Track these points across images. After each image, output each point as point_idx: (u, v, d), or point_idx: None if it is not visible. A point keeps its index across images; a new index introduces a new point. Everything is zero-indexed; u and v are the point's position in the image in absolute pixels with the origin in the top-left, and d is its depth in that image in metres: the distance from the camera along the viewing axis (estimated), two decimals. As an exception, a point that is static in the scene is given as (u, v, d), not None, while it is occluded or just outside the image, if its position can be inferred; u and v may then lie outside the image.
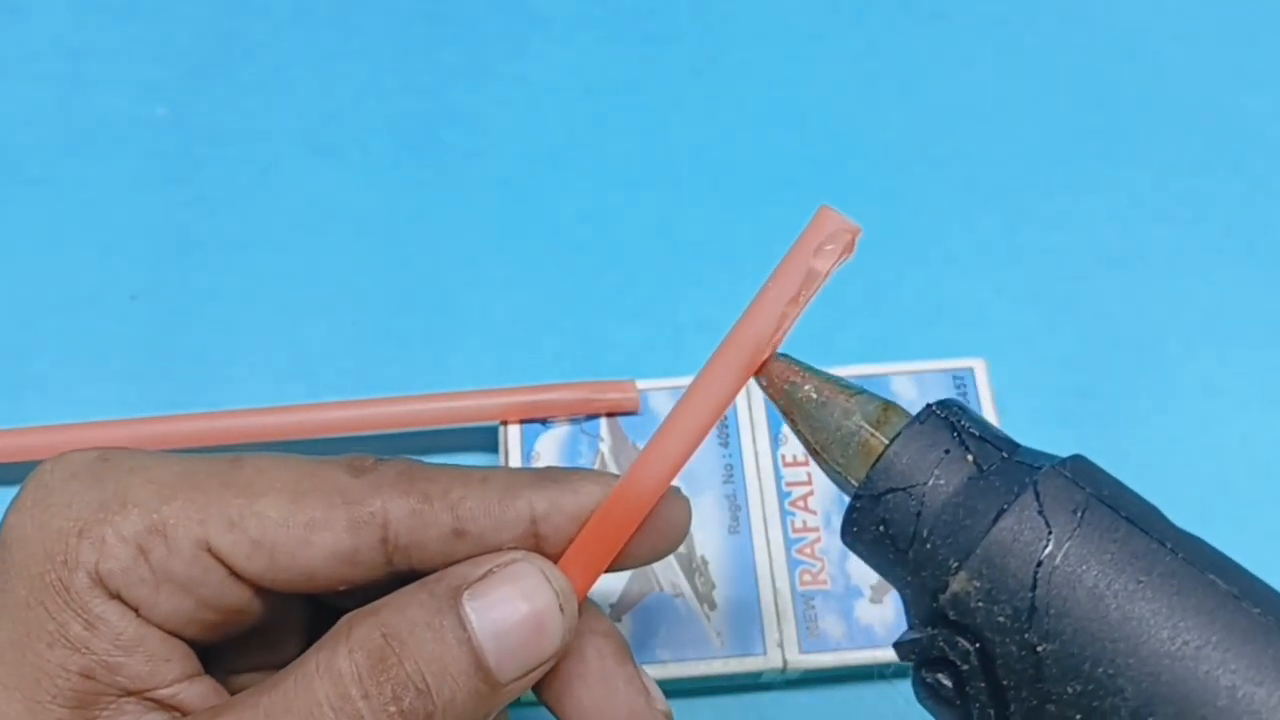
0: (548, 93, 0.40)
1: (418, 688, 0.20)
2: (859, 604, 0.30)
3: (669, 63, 0.41)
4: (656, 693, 0.23)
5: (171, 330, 0.36)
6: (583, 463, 0.32)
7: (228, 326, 0.36)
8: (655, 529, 0.22)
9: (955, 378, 0.33)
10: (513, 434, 0.32)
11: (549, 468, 0.23)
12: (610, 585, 0.30)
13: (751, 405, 0.32)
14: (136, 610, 0.21)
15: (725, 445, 0.32)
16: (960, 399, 0.21)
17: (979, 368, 0.33)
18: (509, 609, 0.20)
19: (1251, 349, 0.36)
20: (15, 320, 0.36)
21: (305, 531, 0.21)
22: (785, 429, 0.32)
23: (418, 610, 0.20)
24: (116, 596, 0.21)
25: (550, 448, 0.32)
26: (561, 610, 0.21)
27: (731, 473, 0.32)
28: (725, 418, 0.32)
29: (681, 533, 0.23)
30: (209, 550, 0.21)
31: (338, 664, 0.20)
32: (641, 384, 0.33)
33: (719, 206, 0.38)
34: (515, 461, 0.32)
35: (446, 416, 0.32)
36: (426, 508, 0.21)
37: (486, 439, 0.33)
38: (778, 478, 0.32)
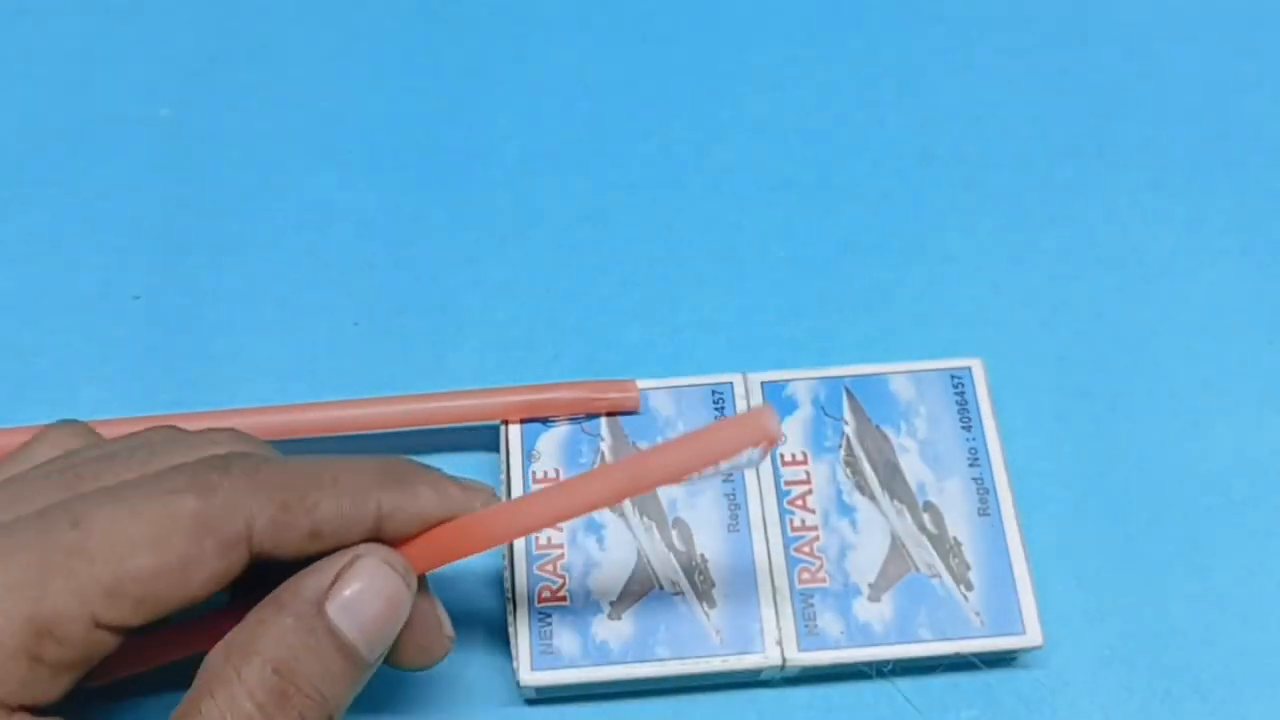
0: (548, 93, 0.40)
1: (316, 701, 0.22)
2: (857, 602, 0.30)
3: (669, 63, 0.41)
4: (447, 623, 0.27)
5: (174, 330, 0.36)
6: (583, 462, 0.32)
7: (230, 326, 0.36)
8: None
9: (953, 377, 0.33)
10: (513, 433, 0.32)
11: (394, 462, 0.25)
12: (609, 584, 0.30)
13: (751, 406, 0.33)
14: (33, 708, 0.21)
15: None
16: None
17: (976, 367, 0.33)
18: (367, 603, 0.23)
19: (1248, 349, 0.36)
20: (18, 320, 0.36)
21: (181, 573, 0.22)
22: (784, 428, 0.32)
23: (294, 636, 0.22)
24: (19, 708, 0.21)
25: (550, 447, 0.32)
26: (406, 586, 0.24)
27: (730, 471, 0.32)
28: (724, 417, 0.32)
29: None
30: (98, 625, 0.22)
31: (242, 707, 0.21)
32: (642, 384, 0.33)
33: (719, 206, 0.38)
34: (516, 461, 0.32)
35: (447, 416, 0.32)
36: (286, 516, 0.23)
37: (487, 438, 0.33)
38: (776, 476, 0.32)
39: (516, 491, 0.31)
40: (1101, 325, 0.36)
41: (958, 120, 0.40)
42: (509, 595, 0.30)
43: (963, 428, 0.32)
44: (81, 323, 0.36)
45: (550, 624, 0.30)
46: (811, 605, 0.30)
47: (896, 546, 0.31)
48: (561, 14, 0.42)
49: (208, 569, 0.22)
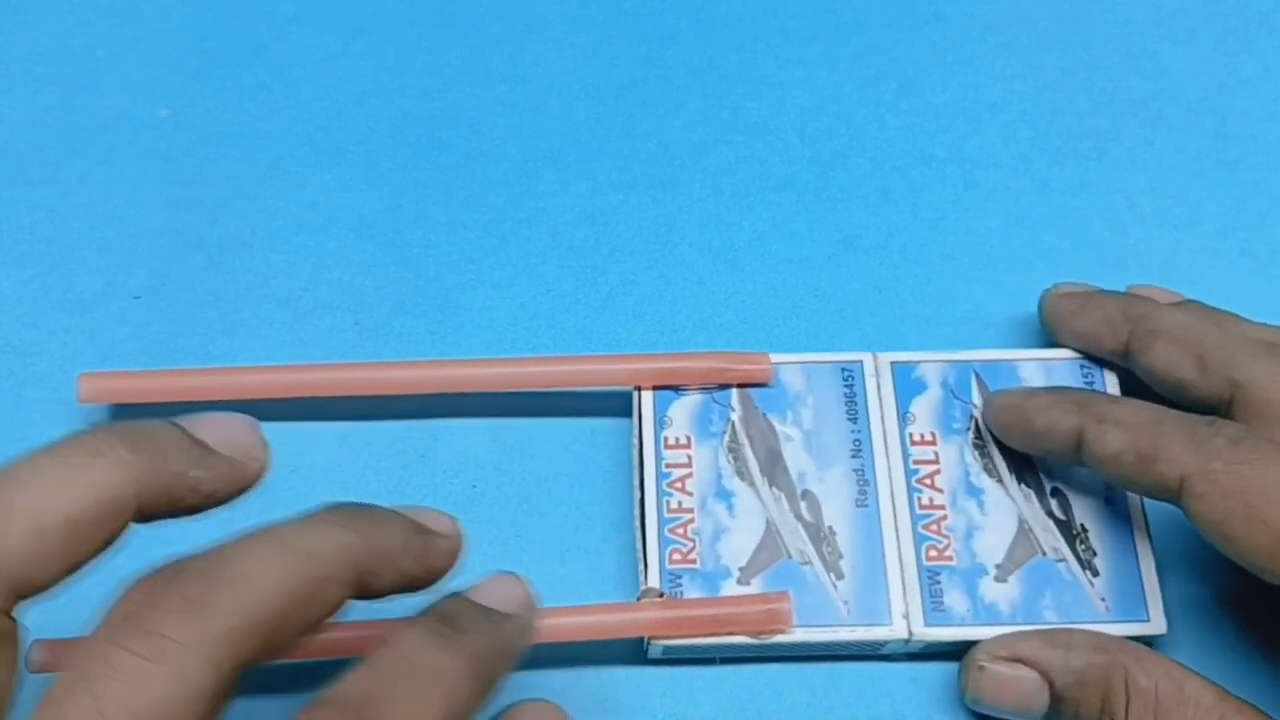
0: (548, 94, 0.40)
1: None
2: (984, 581, 0.31)
3: (669, 63, 0.41)
4: None
5: (175, 330, 0.36)
6: (714, 430, 0.32)
7: (230, 326, 0.36)
8: None
9: (1082, 367, 0.34)
10: (646, 399, 0.33)
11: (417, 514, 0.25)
12: (738, 550, 0.31)
13: (880, 385, 0.33)
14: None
15: (854, 421, 0.32)
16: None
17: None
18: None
19: (1249, 348, 0.36)
20: (18, 320, 0.36)
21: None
22: (912, 408, 0.33)
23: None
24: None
25: (682, 415, 0.32)
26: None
27: (859, 448, 0.32)
28: (853, 394, 0.33)
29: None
30: None
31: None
32: (774, 357, 0.33)
33: (719, 206, 0.38)
34: (649, 427, 0.32)
35: (582, 379, 0.33)
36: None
37: (620, 404, 0.33)
38: (905, 455, 0.32)
39: (649, 456, 0.32)
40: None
41: (958, 120, 0.40)
42: (641, 555, 0.31)
43: None
44: (81, 323, 0.36)
45: (680, 586, 0.30)
46: (938, 582, 0.30)
47: (1024, 530, 0.31)
48: (561, 14, 0.42)
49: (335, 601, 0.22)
